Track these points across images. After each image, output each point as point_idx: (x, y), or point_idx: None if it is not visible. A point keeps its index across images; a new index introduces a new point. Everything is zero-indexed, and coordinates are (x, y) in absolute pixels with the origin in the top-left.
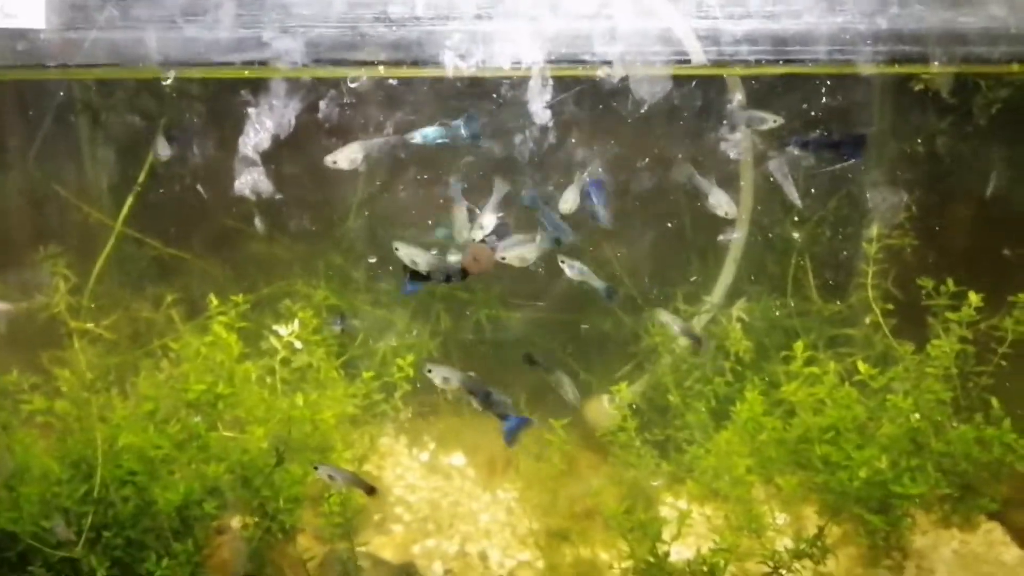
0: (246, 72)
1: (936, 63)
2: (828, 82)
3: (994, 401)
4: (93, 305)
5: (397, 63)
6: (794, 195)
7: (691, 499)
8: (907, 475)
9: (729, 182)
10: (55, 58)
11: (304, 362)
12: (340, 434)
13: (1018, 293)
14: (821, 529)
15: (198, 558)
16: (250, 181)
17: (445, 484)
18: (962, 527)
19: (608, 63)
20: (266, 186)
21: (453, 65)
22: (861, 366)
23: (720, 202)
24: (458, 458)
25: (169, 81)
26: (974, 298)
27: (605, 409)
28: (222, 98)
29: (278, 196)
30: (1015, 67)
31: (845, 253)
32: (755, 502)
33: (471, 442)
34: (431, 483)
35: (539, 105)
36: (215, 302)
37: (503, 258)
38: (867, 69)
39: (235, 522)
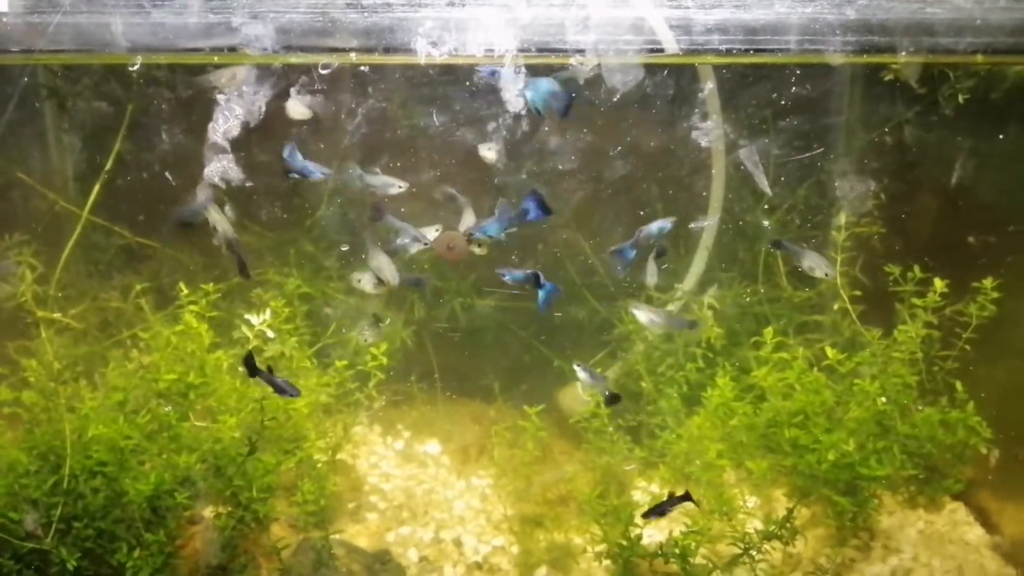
0: (215, 58)
1: (904, 53)
2: (798, 71)
3: (958, 385)
4: (60, 294)
5: (369, 50)
6: (764, 184)
7: (663, 483)
8: (873, 457)
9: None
10: (18, 43)
11: (276, 351)
12: (313, 423)
13: (982, 279)
14: (790, 511)
15: (170, 548)
16: (219, 169)
17: (420, 472)
18: (928, 507)
19: (581, 52)
20: (235, 174)
21: (425, 52)
22: (829, 351)
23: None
24: (432, 446)
25: (136, 67)
26: (939, 284)
27: (579, 396)
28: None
29: (248, 184)
30: (979, 58)
31: (814, 241)
32: (726, 485)
33: (445, 430)
34: (406, 471)
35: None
36: (185, 291)
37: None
38: (836, 59)
39: (207, 512)
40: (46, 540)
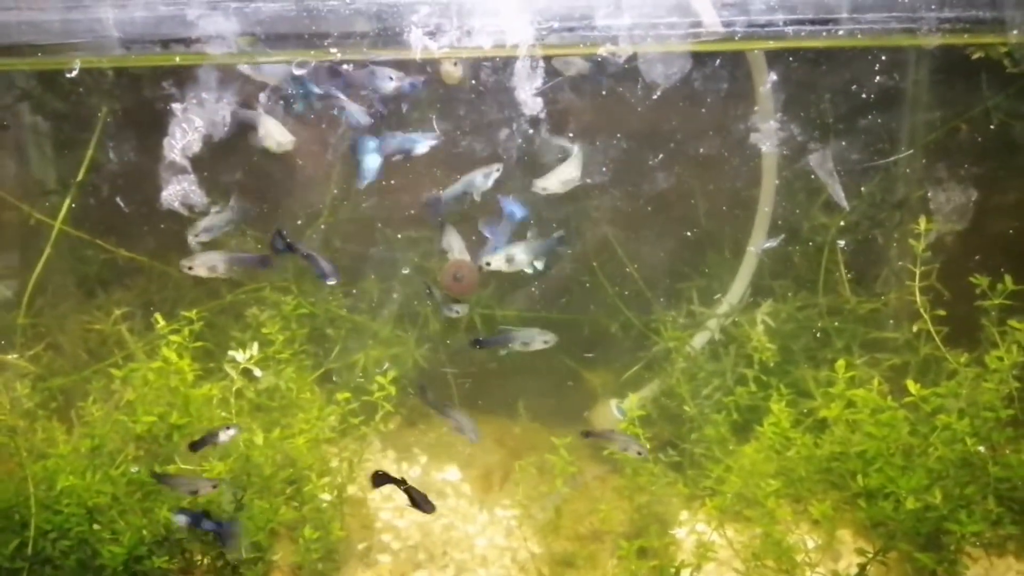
0: (177, 59)
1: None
2: (869, 56)
3: None
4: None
5: (352, 44)
6: (840, 195)
7: (711, 521)
8: (962, 508)
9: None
10: None
11: (271, 384)
12: (315, 459)
13: None
14: (863, 568)
15: None
16: (180, 191)
17: (438, 504)
18: (1019, 555)
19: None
20: (198, 198)
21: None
22: (912, 386)
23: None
24: (452, 472)
25: (74, 73)
26: None
27: (612, 416)
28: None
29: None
30: None
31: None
32: (783, 523)
33: (465, 453)
34: None
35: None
36: (161, 322)
37: (488, 264)
38: (932, 40)
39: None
40: None
